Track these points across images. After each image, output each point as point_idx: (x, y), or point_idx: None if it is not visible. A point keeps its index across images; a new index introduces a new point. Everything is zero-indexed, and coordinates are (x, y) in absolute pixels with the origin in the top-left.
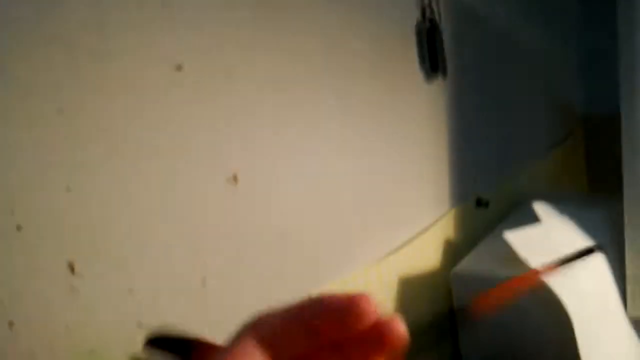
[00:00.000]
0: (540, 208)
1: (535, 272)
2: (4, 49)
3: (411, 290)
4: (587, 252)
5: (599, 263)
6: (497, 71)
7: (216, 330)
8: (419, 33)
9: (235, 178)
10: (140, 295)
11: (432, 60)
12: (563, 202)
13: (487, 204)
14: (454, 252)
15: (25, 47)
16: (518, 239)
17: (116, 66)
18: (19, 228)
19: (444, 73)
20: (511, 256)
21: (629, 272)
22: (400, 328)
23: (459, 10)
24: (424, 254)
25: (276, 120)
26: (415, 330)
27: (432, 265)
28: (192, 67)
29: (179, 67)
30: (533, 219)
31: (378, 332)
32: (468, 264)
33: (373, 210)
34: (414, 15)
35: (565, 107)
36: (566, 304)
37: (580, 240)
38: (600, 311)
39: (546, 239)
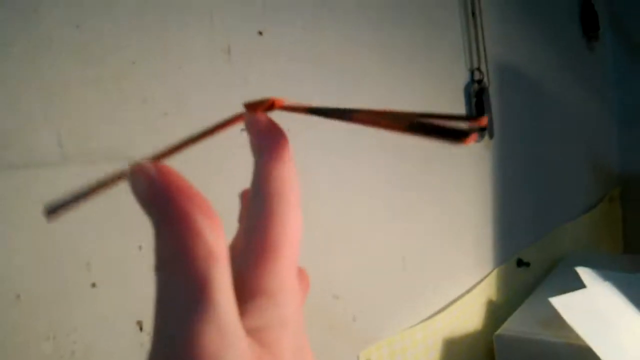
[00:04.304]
0: (584, 273)
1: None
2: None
3: (455, 352)
4: None
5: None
6: (539, 132)
7: None
8: (468, 94)
9: None
10: None
11: None
12: (605, 265)
13: (528, 264)
14: (496, 312)
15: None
16: (564, 304)
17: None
18: (93, 285)
19: (491, 133)
20: (555, 319)
21: None
22: None
23: (506, 73)
24: (468, 314)
25: (329, 183)
26: None
27: (475, 326)
28: None
29: None
30: (573, 279)
31: None
32: (511, 325)
33: (419, 270)
34: (464, 77)
35: (604, 167)
36: None
37: (625, 306)
38: None
39: (592, 305)
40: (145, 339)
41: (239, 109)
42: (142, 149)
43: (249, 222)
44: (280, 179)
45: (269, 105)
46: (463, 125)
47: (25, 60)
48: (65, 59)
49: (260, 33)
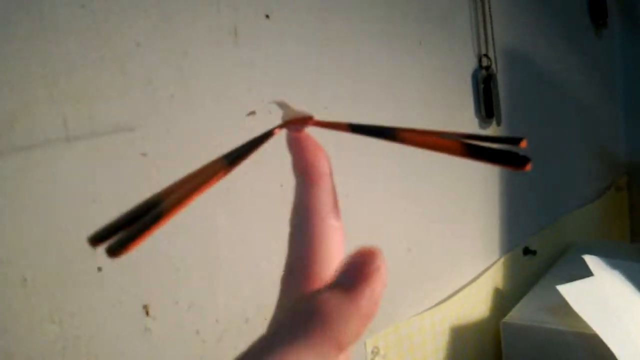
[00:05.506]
0: (591, 261)
1: None
2: None
3: (462, 339)
4: None
5: None
6: (546, 119)
7: None
8: (475, 81)
9: None
10: (206, 337)
11: (487, 107)
12: (613, 253)
13: (534, 253)
14: (503, 300)
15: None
16: (571, 292)
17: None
18: (99, 270)
19: (499, 120)
20: (562, 307)
21: None
22: None
23: (514, 59)
24: (475, 302)
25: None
26: None
27: (482, 314)
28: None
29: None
30: (580, 268)
31: None
32: (518, 313)
33: (425, 258)
34: (471, 64)
35: (610, 155)
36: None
37: (633, 295)
38: None
39: (600, 293)
40: (150, 324)
41: (245, 92)
42: (149, 130)
43: (293, 249)
44: (322, 203)
45: (307, 120)
46: (513, 148)
47: (30, 41)
48: (70, 40)
49: (267, 16)
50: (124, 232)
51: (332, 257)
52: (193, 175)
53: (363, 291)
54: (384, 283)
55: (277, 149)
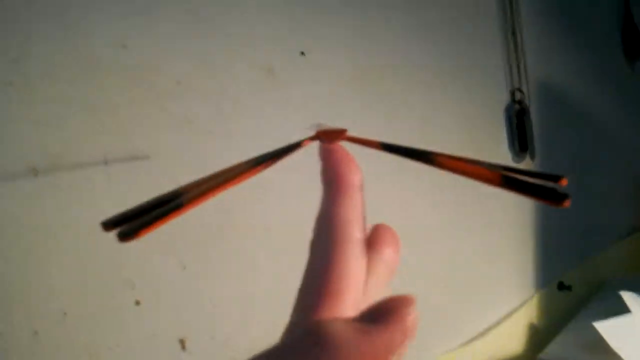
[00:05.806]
0: (629, 297)
1: None
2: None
3: None
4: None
5: None
6: (580, 153)
7: None
8: (508, 115)
9: None
10: None
11: (521, 141)
12: None
13: (569, 288)
14: (538, 336)
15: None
16: (608, 328)
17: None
18: (137, 303)
19: (532, 154)
20: (599, 344)
21: None
22: None
23: (547, 93)
24: (509, 338)
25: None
26: None
27: (516, 351)
28: None
29: None
30: (617, 304)
31: None
32: (553, 350)
33: (459, 294)
34: (504, 98)
35: None
36: None
37: None
38: None
39: (637, 330)
40: (186, 358)
41: (281, 127)
42: (188, 167)
43: (313, 258)
44: (347, 212)
45: (341, 135)
46: (551, 184)
47: (74, 81)
48: (111, 79)
49: (303, 53)
50: (140, 220)
51: (351, 268)
52: (218, 173)
53: (381, 336)
54: (408, 334)
55: (319, 192)
